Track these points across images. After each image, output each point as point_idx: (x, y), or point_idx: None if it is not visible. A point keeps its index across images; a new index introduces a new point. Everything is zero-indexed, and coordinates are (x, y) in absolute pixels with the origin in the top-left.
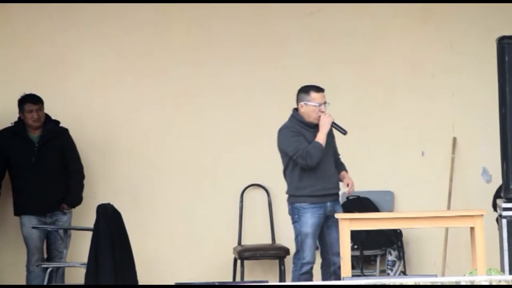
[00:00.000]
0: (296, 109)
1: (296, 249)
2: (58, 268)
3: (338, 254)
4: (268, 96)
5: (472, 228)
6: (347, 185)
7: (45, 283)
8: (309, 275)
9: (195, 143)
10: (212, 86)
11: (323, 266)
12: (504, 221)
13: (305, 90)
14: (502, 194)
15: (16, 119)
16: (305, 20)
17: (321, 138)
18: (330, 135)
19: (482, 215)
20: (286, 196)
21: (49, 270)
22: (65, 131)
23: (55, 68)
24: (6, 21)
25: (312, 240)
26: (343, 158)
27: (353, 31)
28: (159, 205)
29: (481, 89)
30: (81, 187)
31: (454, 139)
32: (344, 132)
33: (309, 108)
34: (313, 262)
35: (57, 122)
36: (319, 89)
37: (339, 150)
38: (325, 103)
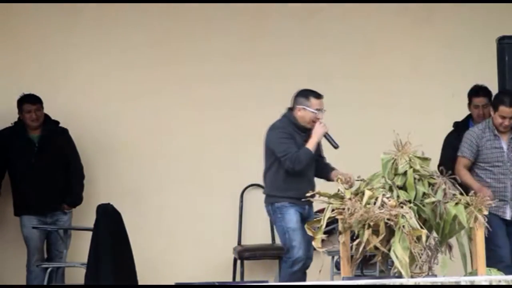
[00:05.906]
0: (290, 109)
1: (286, 248)
2: (58, 268)
3: (310, 258)
4: (268, 95)
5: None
6: (349, 178)
7: (45, 283)
8: (301, 273)
9: (195, 143)
10: (212, 86)
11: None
12: None
13: (305, 94)
14: None
15: (16, 119)
16: (305, 20)
17: (311, 145)
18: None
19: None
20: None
21: (49, 270)
22: (65, 131)
23: (55, 68)
24: (6, 21)
25: (301, 236)
26: (343, 158)
27: (353, 31)
28: (159, 205)
29: None
30: (81, 187)
31: None
32: (336, 146)
33: (307, 113)
34: (304, 259)
35: (57, 122)
36: (319, 96)
37: (340, 151)
38: (321, 109)
